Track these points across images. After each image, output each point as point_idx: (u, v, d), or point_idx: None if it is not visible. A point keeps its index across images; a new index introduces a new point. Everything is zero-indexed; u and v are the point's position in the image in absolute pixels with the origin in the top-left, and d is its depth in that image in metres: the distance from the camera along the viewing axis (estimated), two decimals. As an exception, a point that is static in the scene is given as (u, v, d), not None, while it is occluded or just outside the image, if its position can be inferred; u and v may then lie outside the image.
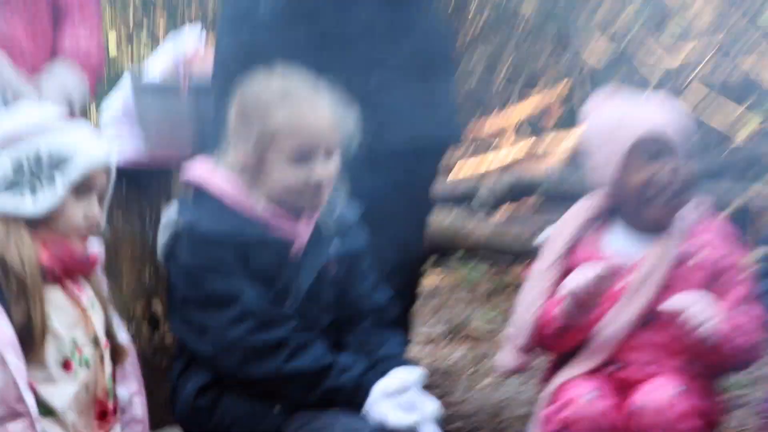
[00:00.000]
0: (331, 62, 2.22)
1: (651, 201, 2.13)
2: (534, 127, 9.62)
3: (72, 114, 2.37)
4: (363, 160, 2.09)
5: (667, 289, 2.08)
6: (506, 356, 2.20)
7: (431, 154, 2.68)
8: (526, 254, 5.80)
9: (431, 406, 1.97)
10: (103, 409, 1.74)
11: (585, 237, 2.20)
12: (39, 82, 2.40)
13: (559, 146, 8.77)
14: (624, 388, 2.08)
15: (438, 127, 2.57)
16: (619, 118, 2.16)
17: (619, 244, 2.18)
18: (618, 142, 2.13)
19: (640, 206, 2.15)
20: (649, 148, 2.12)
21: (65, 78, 2.43)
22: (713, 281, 2.11)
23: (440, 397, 3.46)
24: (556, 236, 2.21)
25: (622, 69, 6.45)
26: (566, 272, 2.15)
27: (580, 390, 2.02)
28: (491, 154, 9.15)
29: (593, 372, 2.10)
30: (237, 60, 2.32)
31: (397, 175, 2.51)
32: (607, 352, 2.10)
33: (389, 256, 2.53)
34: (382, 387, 1.96)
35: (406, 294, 2.68)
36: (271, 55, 2.14)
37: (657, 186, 2.12)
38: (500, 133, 9.47)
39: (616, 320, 2.10)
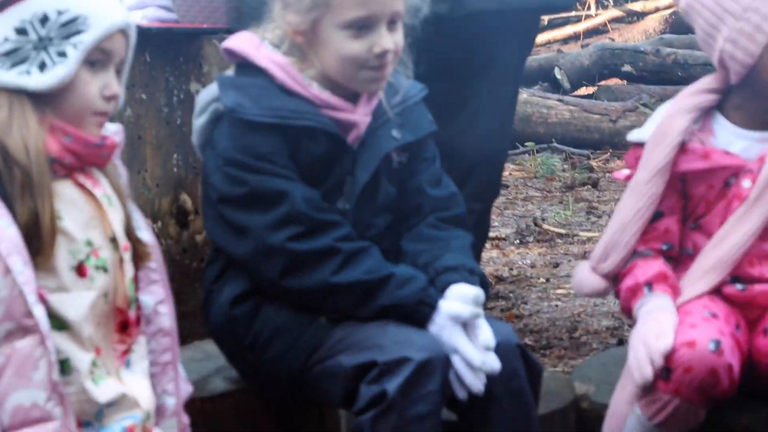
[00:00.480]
0: None
1: None
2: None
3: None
4: (446, 23, 1.97)
5: None
6: (586, 278, 2.13)
7: (533, 16, 2.54)
8: (611, 143, 5.71)
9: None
10: (124, 320, 1.71)
11: (692, 137, 2.07)
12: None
13: (654, 11, 8.47)
14: (748, 310, 2.02)
15: None
16: None
17: (731, 143, 2.07)
18: None
19: None
20: None
21: None
22: None
23: (509, 308, 3.48)
24: (658, 139, 2.08)
25: None
26: (670, 182, 2.06)
27: (700, 332, 1.91)
28: (571, 22, 8.88)
29: (710, 294, 2.02)
30: None
31: (489, 43, 2.39)
32: (727, 269, 2.02)
33: (471, 147, 2.44)
34: (452, 311, 1.90)
35: (488, 189, 2.61)
36: None
37: None
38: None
39: (737, 229, 2.02)
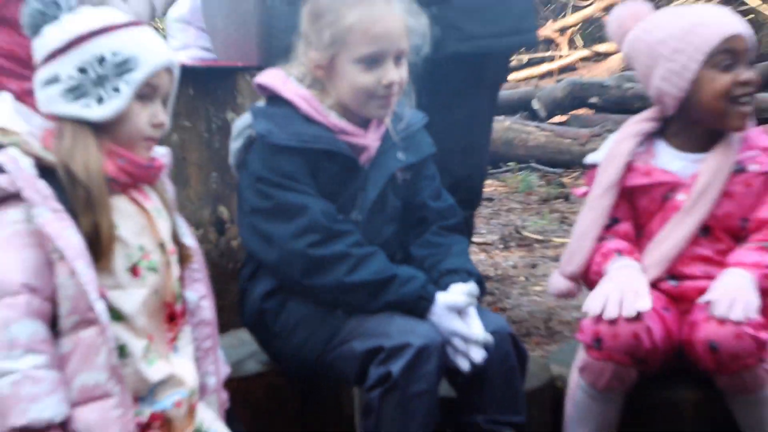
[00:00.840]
0: None
1: (731, 109, 2.00)
2: (590, 34, 9.26)
3: (153, 16, 2.30)
4: (431, 63, 1.97)
5: (726, 198, 2.02)
6: (557, 281, 2.15)
7: (503, 56, 2.53)
8: (581, 164, 5.69)
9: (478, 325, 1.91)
10: (171, 312, 1.69)
11: (637, 158, 2.09)
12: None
13: (617, 51, 8.44)
14: (681, 303, 2.02)
15: (513, 27, 2.42)
16: (693, 23, 1.99)
17: (671, 163, 2.08)
18: (695, 46, 1.97)
19: (714, 116, 2.02)
20: (731, 52, 1.97)
21: None
22: None
23: (494, 303, 3.46)
24: (609, 160, 2.10)
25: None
26: (622, 195, 2.07)
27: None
28: (547, 61, 8.88)
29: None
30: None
31: (467, 76, 2.38)
32: (665, 266, 2.03)
33: (456, 163, 2.43)
34: (448, 302, 1.90)
35: (472, 198, 2.62)
36: None
37: (740, 93, 1.98)
38: (556, 40, 9.16)
39: (672, 234, 2.03)
